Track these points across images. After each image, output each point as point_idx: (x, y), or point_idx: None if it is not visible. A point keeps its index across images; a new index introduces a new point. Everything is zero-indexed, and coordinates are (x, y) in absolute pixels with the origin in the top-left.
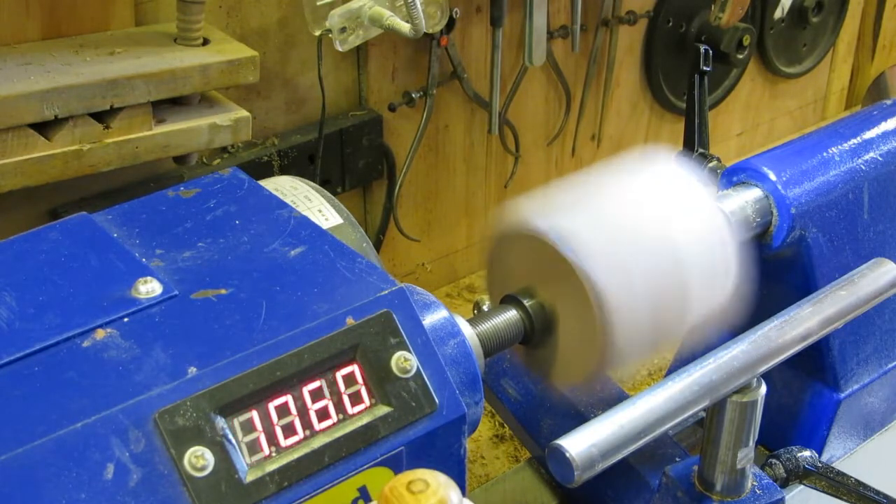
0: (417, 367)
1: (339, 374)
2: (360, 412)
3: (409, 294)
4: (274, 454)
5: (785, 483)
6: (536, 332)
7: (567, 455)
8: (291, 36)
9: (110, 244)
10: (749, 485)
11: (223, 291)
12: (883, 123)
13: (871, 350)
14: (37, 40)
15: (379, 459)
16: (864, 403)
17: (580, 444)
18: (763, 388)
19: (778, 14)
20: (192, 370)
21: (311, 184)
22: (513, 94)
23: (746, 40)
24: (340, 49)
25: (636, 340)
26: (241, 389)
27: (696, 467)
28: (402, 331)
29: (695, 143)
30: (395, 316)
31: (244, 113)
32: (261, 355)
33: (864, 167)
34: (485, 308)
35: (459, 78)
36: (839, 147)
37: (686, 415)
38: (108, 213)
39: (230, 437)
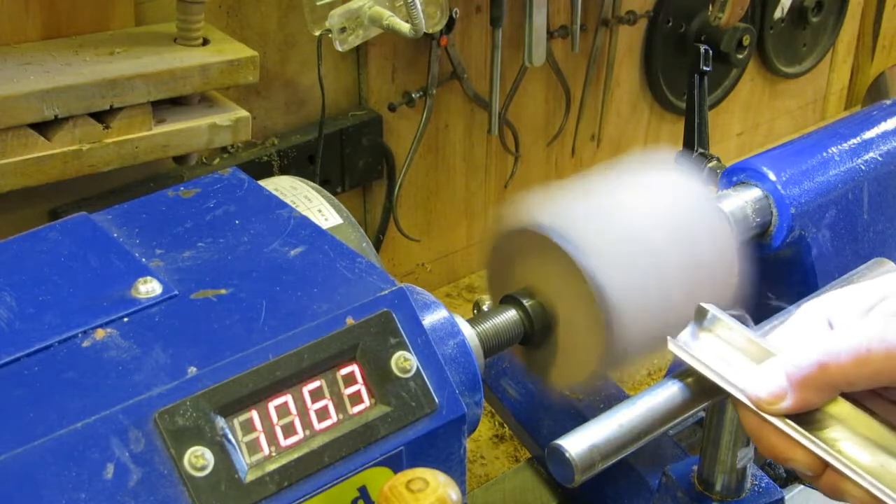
0: (417, 367)
1: (339, 374)
2: (360, 412)
3: (409, 294)
4: (274, 454)
5: (785, 483)
6: (536, 333)
7: (567, 455)
8: (291, 36)
9: (110, 244)
10: (749, 485)
11: (223, 291)
12: (883, 123)
13: None
14: (37, 40)
15: (379, 459)
16: None
17: (580, 444)
18: None
19: (778, 14)
20: (192, 370)
21: (311, 184)
22: (513, 94)
23: (746, 40)
24: (340, 49)
25: (638, 341)
26: (240, 389)
27: (695, 467)
28: (401, 331)
29: (695, 143)
30: (394, 316)
31: (244, 113)
32: (261, 355)
33: (863, 167)
34: (485, 308)
35: (459, 78)
36: (839, 147)
37: (686, 415)
38: (108, 213)
39: (230, 436)
